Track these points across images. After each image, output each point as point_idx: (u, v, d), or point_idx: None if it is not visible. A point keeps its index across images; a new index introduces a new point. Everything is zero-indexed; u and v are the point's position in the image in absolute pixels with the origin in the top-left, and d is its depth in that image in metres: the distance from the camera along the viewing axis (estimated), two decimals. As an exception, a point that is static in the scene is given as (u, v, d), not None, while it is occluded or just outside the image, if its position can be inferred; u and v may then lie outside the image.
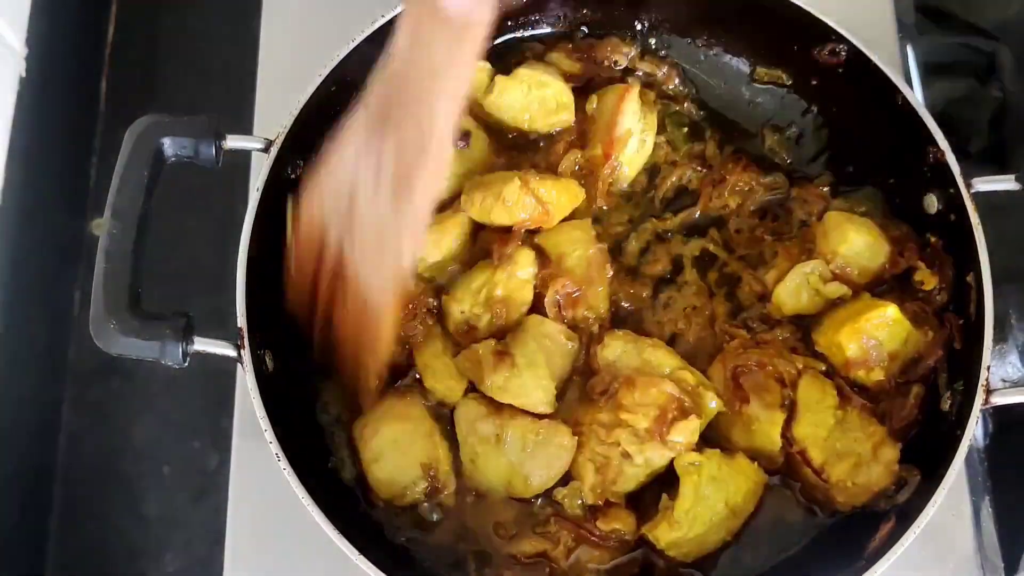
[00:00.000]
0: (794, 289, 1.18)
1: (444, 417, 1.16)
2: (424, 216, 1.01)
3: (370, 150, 0.97)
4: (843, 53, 1.22)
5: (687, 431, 1.08)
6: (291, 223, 1.12)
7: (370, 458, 1.12)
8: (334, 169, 1.01)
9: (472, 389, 1.15)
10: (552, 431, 1.10)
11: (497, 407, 1.12)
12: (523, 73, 1.26)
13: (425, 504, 1.13)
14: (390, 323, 1.07)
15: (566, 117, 1.28)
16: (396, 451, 1.11)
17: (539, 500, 1.13)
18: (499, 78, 1.26)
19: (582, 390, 1.15)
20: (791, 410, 1.12)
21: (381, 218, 0.99)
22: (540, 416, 1.11)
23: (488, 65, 1.27)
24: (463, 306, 1.17)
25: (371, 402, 1.14)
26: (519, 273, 1.16)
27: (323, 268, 1.06)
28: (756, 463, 1.11)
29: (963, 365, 1.09)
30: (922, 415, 1.14)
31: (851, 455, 1.10)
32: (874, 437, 1.11)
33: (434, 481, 1.11)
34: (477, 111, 1.28)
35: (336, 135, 1.01)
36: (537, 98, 1.27)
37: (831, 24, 1.20)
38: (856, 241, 1.16)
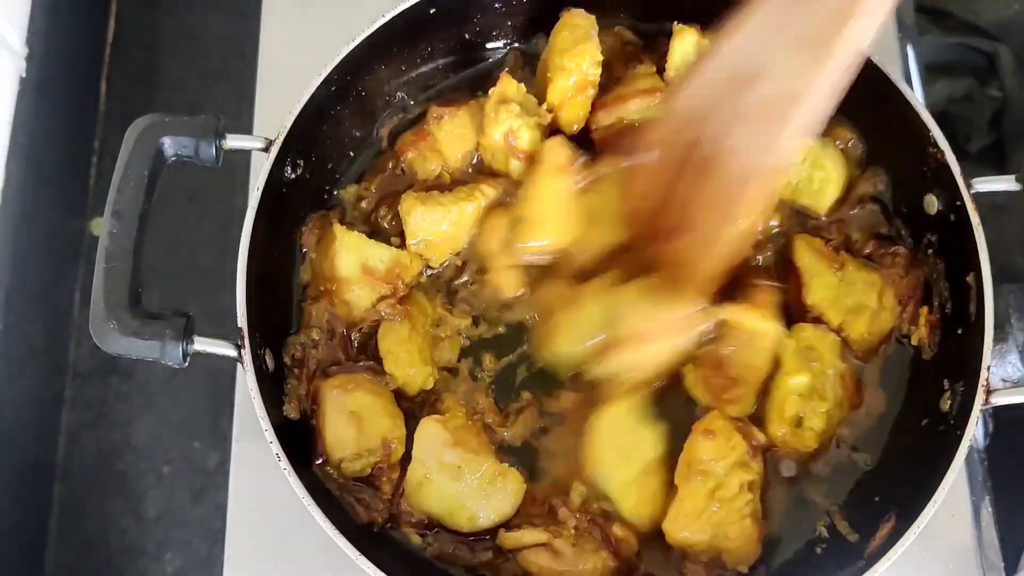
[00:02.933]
0: None
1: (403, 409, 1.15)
2: (841, 80, 0.94)
3: (780, 14, 0.94)
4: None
5: None
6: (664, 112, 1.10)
7: (334, 412, 1.12)
8: (731, 38, 0.98)
9: (433, 401, 1.16)
10: (509, 475, 1.10)
11: (461, 438, 1.11)
12: None
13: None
14: (754, 206, 1.03)
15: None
16: (363, 416, 1.11)
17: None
18: None
19: None
20: (799, 281, 1.16)
21: (778, 86, 0.94)
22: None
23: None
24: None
25: (704, 288, 1.10)
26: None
27: (678, 152, 1.03)
28: None
29: (963, 365, 1.09)
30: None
31: (864, 309, 1.15)
32: (876, 285, 1.16)
33: (387, 459, 1.11)
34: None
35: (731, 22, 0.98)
36: None
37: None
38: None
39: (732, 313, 1.13)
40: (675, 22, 1.25)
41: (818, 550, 1.12)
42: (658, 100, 1.24)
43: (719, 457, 1.08)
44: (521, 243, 1.20)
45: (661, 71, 1.28)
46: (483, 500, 1.10)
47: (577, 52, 1.22)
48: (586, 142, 1.27)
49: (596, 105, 1.26)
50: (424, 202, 1.20)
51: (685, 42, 1.25)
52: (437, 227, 1.20)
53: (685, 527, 1.07)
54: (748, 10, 0.98)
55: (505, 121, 1.21)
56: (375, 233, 1.23)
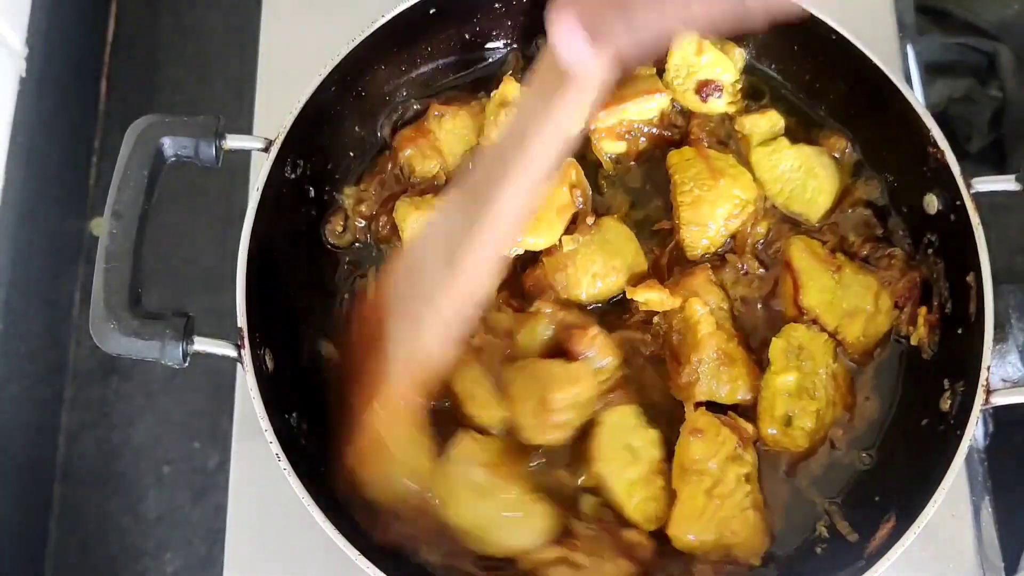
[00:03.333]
0: None
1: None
2: (467, 302, 1.01)
3: (449, 232, 0.99)
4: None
5: None
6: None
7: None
8: (411, 252, 1.05)
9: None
10: (537, 510, 1.08)
11: (496, 465, 1.10)
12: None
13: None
14: (395, 391, 1.05)
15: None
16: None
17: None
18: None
19: None
20: (795, 283, 1.16)
21: (431, 284, 1.00)
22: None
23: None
24: None
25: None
26: None
27: (367, 342, 1.07)
28: None
29: (963, 365, 1.09)
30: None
31: (859, 312, 1.15)
32: (872, 288, 1.17)
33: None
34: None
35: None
36: None
37: (831, 24, 1.20)
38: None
39: (634, 293, 1.16)
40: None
41: (818, 550, 1.12)
42: (657, 100, 1.25)
43: (710, 454, 1.09)
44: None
45: (661, 72, 1.29)
46: (503, 528, 1.08)
47: None
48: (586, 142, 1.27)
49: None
50: (419, 207, 1.20)
51: (685, 44, 1.26)
52: None
53: (689, 530, 1.07)
54: (432, 219, 1.06)
55: (505, 124, 1.21)
56: (379, 243, 1.24)
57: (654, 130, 1.28)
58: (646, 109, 1.26)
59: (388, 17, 1.20)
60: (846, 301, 1.16)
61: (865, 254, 1.21)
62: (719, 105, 1.28)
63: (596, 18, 0.81)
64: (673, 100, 1.28)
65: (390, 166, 1.28)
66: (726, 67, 1.28)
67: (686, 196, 1.20)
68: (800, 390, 1.12)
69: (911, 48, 1.43)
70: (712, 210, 1.19)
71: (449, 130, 1.26)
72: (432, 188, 1.25)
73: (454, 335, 1.03)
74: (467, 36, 1.32)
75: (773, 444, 1.13)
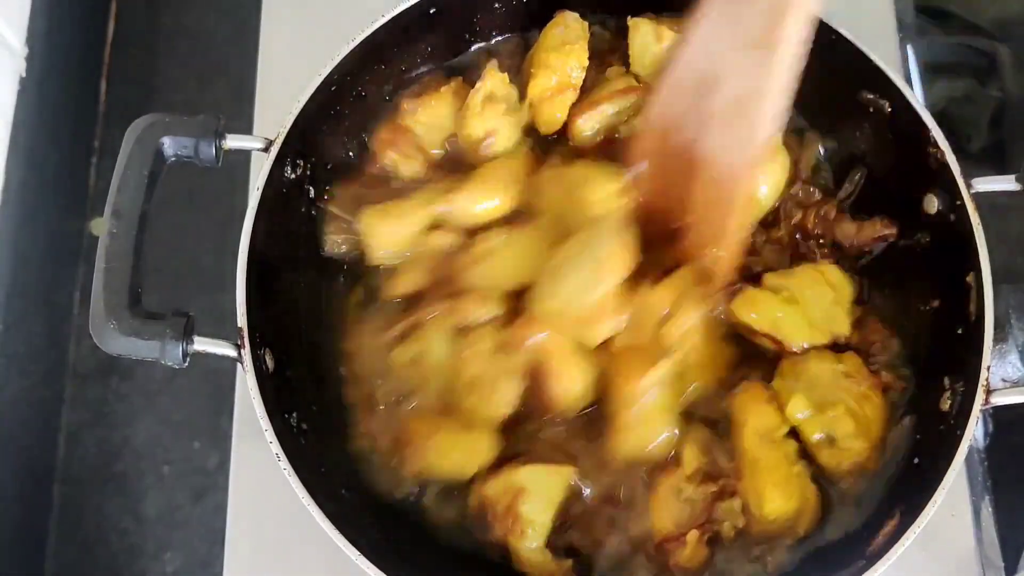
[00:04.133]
0: None
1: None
2: (791, 71, 0.99)
3: (726, 19, 0.99)
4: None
5: None
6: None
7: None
8: (687, 47, 1.02)
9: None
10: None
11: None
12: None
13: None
14: (746, 195, 1.07)
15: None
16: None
17: None
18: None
19: None
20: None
21: (738, 86, 0.99)
22: None
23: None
24: None
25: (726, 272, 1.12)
26: None
27: (669, 158, 1.07)
28: None
29: (963, 365, 1.09)
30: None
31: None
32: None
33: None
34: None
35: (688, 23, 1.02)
36: None
37: (831, 24, 1.20)
38: None
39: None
40: (628, 16, 1.27)
41: (817, 549, 1.12)
42: (634, 99, 1.24)
43: (778, 423, 1.10)
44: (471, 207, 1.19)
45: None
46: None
47: (564, 52, 1.23)
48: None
49: (572, 112, 1.25)
50: (387, 215, 1.19)
51: (641, 34, 1.25)
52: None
53: (783, 494, 1.07)
54: (695, 19, 1.02)
55: (490, 119, 1.21)
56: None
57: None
58: (622, 109, 1.25)
59: (388, 17, 1.20)
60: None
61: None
62: None
63: None
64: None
65: (370, 171, 1.26)
66: None
67: None
68: (816, 406, 1.11)
69: (911, 48, 1.43)
70: None
71: (425, 123, 1.25)
72: (408, 187, 1.25)
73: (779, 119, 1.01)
74: (467, 36, 1.32)
75: (839, 468, 1.11)
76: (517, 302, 1.14)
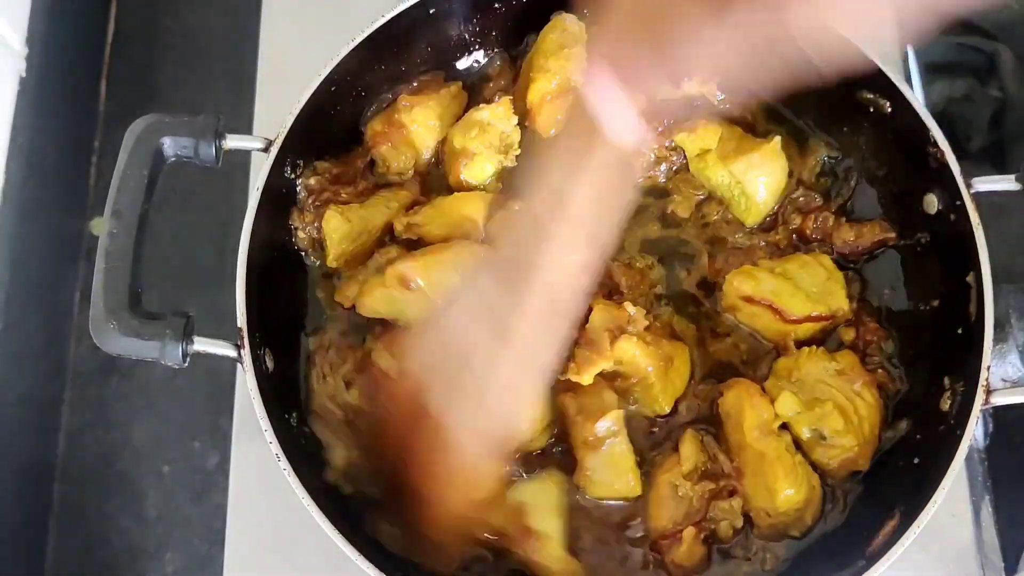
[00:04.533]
0: None
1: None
2: (546, 381, 0.95)
3: (490, 302, 0.90)
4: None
5: None
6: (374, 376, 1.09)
7: None
8: (441, 322, 0.96)
9: None
10: None
11: None
12: None
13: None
14: (481, 491, 1.01)
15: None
16: None
17: None
18: None
19: None
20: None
21: (494, 378, 0.92)
22: None
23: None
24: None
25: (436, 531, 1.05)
26: None
27: (410, 421, 0.98)
28: None
29: (963, 365, 1.09)
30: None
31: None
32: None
33: None
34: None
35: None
36: None
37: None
38: None
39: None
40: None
41: (818, 549, 1.12)
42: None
43: (771, 418, 1.10)
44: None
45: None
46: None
47: (563, 56, 1.22)
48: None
49: None
50: (348, 219, 1.18)
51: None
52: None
53: (790, 485, 1.07)
54: (459, 289, 0.96)
55: (475, 142, 1.21)
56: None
57: None
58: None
59: (388, 17, 1.20)
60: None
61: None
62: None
63: (631, 65, 0.72)
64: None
65: (359, 162, 1.26)
66: None
67: None
68: (805, 403, 1.11)
69: (911, 48, 1.43)
70: None
71: (420, 121, 1.24)
72: (396, 184, 1.25)
73: (523, 407, 0.98)
74: (467, 36, 1.32)
75: (829, 465, 1.11)
76: None
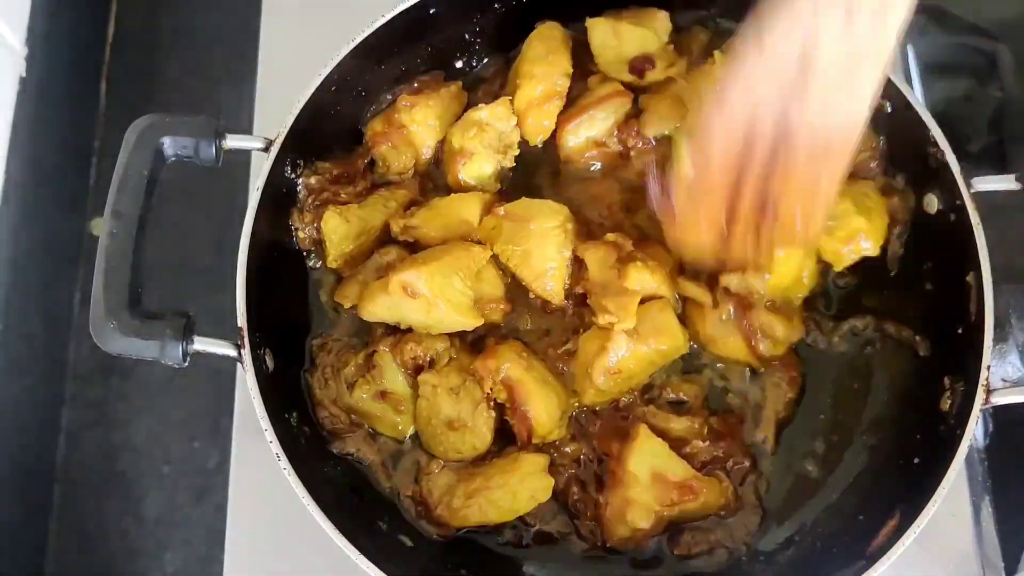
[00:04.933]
0: None
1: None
2: (894, 41, 0.94)
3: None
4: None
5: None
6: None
7: None
8: (781, 25, 0.95)
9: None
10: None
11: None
12: None
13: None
14: (846, 161, 1.00)
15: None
16: None
17: None
18: None
19: None
20: None
21: (850, 47, 0.93)
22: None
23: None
24: None
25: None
26: None
27: (749, 167, 1.00)
28: None
29: (963, 365, 1.09)
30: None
31: None
32: None
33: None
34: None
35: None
36: None
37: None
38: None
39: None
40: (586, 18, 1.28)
41: (817, 549, 1.12)
42: (621, 104, 1.24)
43: None
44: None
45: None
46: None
47: (548, 62, 1.24)
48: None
49: (560, 121, 1.25)
50: (348, 220, 1.19)
51: (600, 33, 1.26)
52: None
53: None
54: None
55: (473, 141, 1.21)
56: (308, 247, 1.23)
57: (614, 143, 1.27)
58: (609, 114, 1.25)
59: (388, 17, 1.20)
60: None
61: None
62: (657, 75, 1.27)
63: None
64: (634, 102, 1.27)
65: (359, 162, 1.26)
66: (647, 39, 1.27)
67: None
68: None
69: (911, 48, 1.43)
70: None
71: (420, 121, 1.25)
72: (395, 183, 1.25)
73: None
74: (467, 36, 1.32)
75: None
76: (466, 339, 1.17)
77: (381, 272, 1.17)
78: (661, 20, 1.29)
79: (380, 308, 1.13)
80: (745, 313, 1.15)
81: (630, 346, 1.11)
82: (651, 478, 1.09)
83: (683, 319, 1.16)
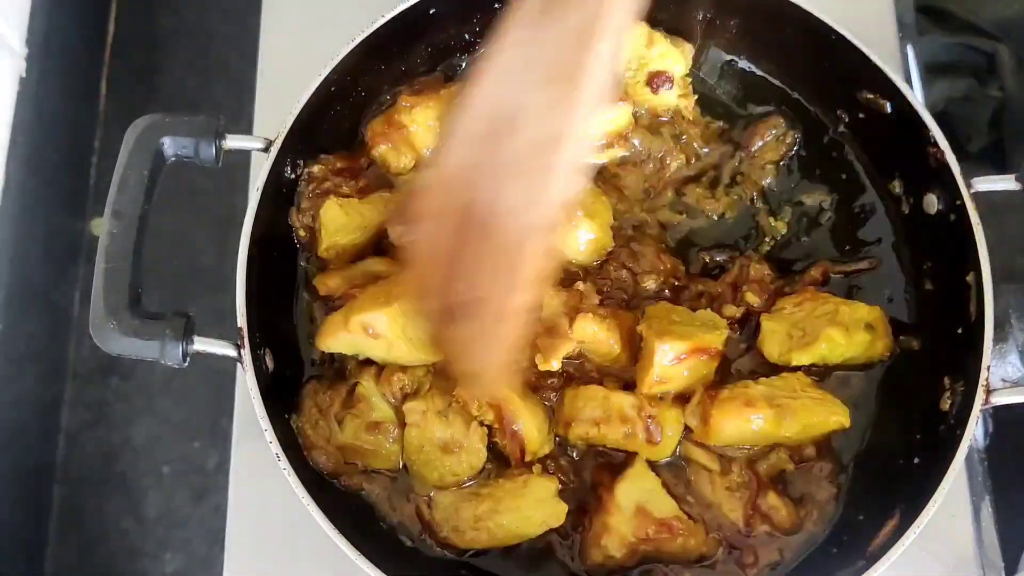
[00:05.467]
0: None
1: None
2: (589, 122, 0.87)
3: (524, 51, 0.86)
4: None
5: None
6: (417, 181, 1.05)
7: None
8: (480, 88, 0.89)
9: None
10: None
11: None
12: None
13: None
14: (538, 268, 0.91)
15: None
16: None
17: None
18: None
19: None
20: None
21: (536, 129, 0.85)
22: None
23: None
24: None
25: (497, 380, 1.02)
26: None
27: (453, 220, 0.92)
28: None
29: (963, 365, 1.09)
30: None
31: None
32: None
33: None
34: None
35: (482, 57, 0.90)
36: None
37: (831, 24, 1.20)
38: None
39: None
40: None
41: (818, 549, 1.12)
42: (620, 108, 1.23)
43: None
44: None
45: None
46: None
47: None
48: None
49: None
50: (347, 212, 1.18)
51: (634, 34, 1.26)
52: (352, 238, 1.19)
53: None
54: (492, 51, 0.90)
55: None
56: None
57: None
58: (611, 118, 1.25)
59: (388, 17, 1.20)
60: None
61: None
62: (670, 97, 1.27)
63: None
64: (634, 112, 1.27)
65: (363, 159, 1.26)
66: (676, 59, 1.27)
67: None
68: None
69: (911, 48, 1.43)
70: None
71: (421, 122, 1.23)
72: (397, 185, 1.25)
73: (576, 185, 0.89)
74: (467, 36, 1.32)
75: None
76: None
77: (368, 279, 1.15)
78: (688, 50, 1.29)
79: (339, 343, 1.11)
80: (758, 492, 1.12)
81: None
82: (635, 510, 1.09)
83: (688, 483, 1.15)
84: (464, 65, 1.33)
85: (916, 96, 1.19)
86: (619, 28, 0.86)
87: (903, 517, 1.04)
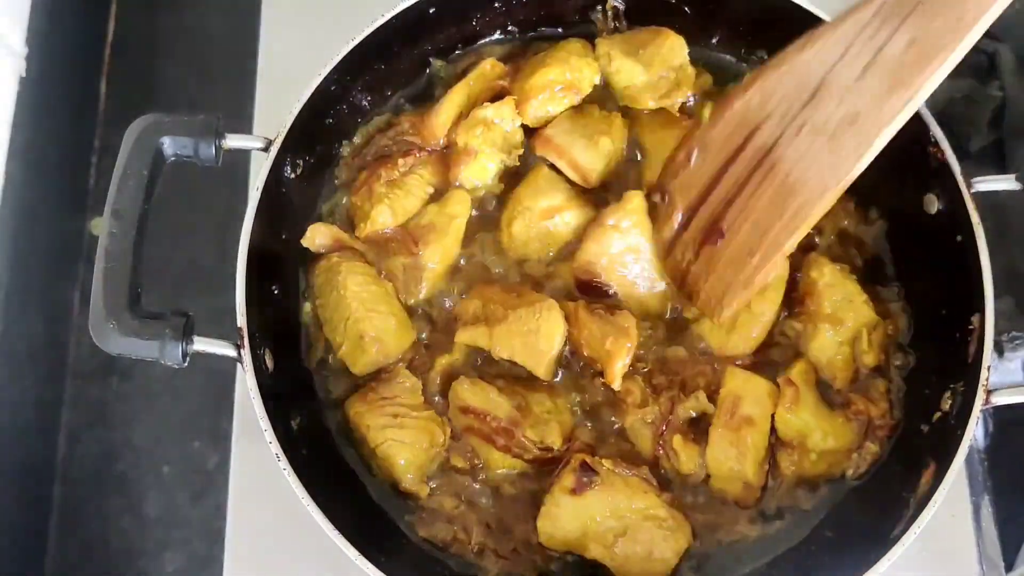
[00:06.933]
0: None
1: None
2: (899, 119, 0.97)
3: (870, 37, 0.95)
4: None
5: None
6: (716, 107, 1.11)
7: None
8: (801, 56, 1.00)
9: None
10: None
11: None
12: None
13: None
14: (808, 223, 1.02)
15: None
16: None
17: None
18: None
19: None
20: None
21: (853, 109, 0.96)
22: None
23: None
24: None
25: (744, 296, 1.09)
26: None
27: (739, 155, 1.04)
28: None
29: (963, 365, 1.09)
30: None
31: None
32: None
33: None
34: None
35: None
36: None
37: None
38: None
39: None
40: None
41: (819, 548, 1.12)
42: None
43: None
44: None
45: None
46: None
47: (584, 64, 1.26)
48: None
49: None
50: (396, 212, 1.22)
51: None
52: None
53: None
54: (822, 29, 1.01)
55: (477, 140, 1.21)
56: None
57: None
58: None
59: (388, 17, 1.21)
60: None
61: None
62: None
63: None
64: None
65: (386, 140, 1.27)
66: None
67: None
68: None
69: (911, 48, 1.43)
70: None
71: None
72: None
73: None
74: (467, 36, 1.32)
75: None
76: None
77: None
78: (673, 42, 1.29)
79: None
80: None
81: None
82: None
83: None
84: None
85: (916, 96, 1.19)
86: (967, 45, 0.98)
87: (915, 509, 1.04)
